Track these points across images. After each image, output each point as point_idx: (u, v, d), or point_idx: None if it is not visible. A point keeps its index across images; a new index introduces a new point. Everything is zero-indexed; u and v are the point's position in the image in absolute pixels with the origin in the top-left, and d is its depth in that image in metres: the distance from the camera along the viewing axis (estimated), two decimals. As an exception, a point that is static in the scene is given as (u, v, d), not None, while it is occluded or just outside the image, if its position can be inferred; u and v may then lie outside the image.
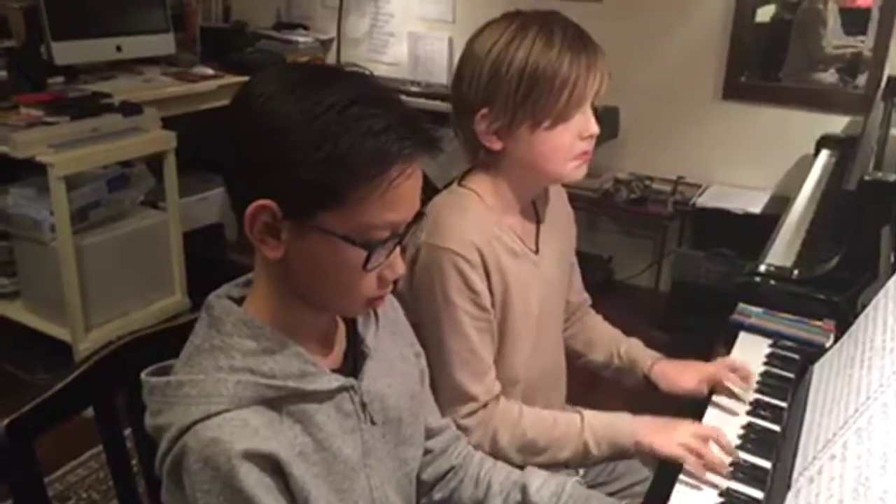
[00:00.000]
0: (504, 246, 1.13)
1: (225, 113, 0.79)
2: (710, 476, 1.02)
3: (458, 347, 1.09)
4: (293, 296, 0.81)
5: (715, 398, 1.19)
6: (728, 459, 1.03)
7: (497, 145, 1.10)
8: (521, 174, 1.13)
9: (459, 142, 1.14)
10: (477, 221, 1.10)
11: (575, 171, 1.11)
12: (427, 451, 1.02)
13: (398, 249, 0.81)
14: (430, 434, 1.02)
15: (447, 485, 1.04)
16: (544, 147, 1.08)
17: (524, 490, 1.01)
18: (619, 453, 1.11)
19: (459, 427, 1.09)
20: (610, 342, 1.36)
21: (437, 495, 1.04)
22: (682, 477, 1.03)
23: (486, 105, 1.07)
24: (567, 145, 1.08)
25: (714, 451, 1.03)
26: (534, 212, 1.22)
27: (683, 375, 1.23)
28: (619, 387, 1.35)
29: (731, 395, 1.18)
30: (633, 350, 1.33)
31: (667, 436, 1.06)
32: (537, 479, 1.02)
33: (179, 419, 0.75)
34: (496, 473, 1.04)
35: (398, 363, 0.95)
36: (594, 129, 1.09)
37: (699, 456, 1.02)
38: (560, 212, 1.29)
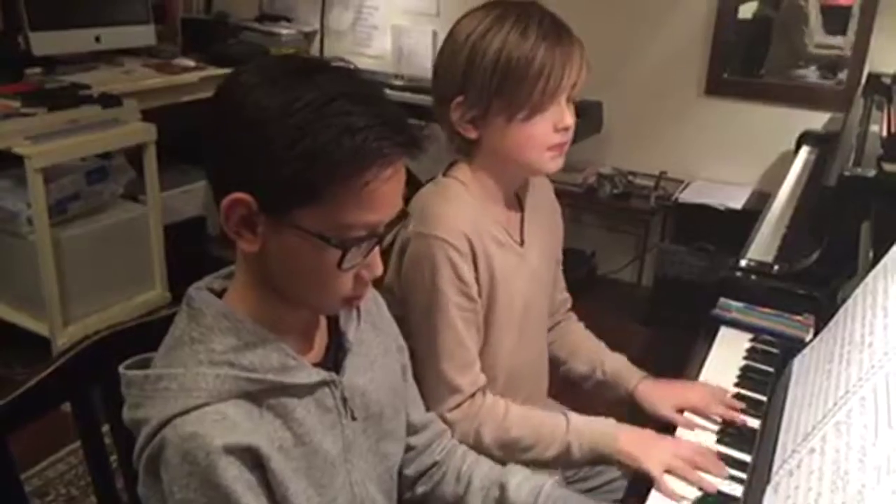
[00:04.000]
0: (491, 236, 1.12)
1: (208, 103, 0.78)
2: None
3: (446, 338, 1.08)
4: (271, 290, 0.81)
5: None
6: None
7: (472, 134, 1.10)
8: (497, 164, 1.13)
9: (443, 130, 1.14)
10: (464, 209, 1.10)
11: (551, 162, 1.11)
12: (410, 448, 1.02)
13: (377, 249, 0.79)
14: (413, 430, 1.01)
15: (430, 479, 1.04)
16: (518, 138, 1.08)
17: (503, 488, 1.00)
18: (601, 459, 1.10)
19: (445, 422, 1.08)
20: (594, 355, 1.33)
21: (419, 489, 1.04)
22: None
23: (461, 94, 1.07)
24: (541, 137, 1.08)
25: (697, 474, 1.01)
26: (518, 204, 1.22)
27: (664, 402, 1.18)
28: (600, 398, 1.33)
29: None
30: (618, 367, 1.30)
31: (650, 452, 1.04)
32: (516, 477, 1.01)
33: (158, 413, 0.74)
34: (477, 469, 1.04)
35: (380, 358, 0.94)
36: (568, 121, 1.09)
37: (682, 477, 1.01)
38: (546, 206, 1.28)
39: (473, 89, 1.06)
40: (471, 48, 1.05)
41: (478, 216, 1.11)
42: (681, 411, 1.16)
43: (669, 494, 0.99)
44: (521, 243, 1.19)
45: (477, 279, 1.10)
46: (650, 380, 1.26)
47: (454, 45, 1.08)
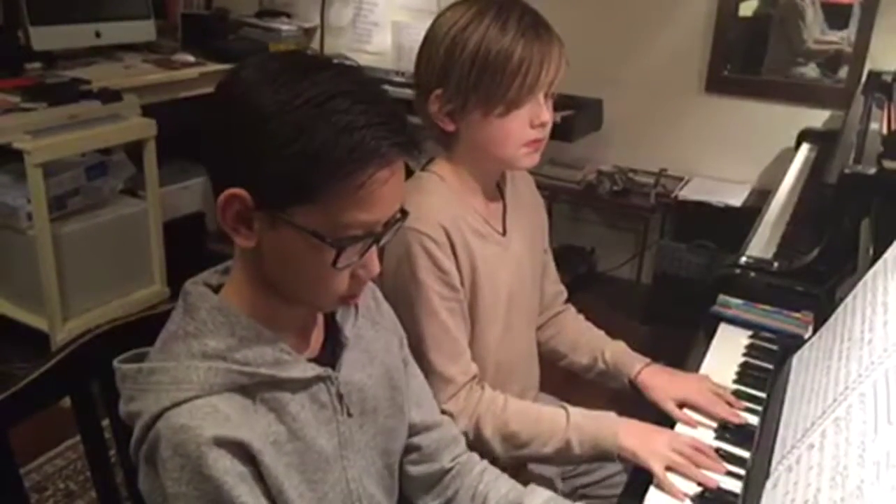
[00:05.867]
0: (470, 227, 1.13)
1: (207, 99, 0.78)
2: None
3: (432, 329, 1.08)
4: (268, 286, 0.80)
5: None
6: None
7: (450, 127, 1.10)
8: (474, 157, 1.13)
9: (422, 121, 1.14)
10: (441, 202, 1.11)
11: (526, 158, 1.11)
12: (416, 448, 1.00)
13: (374, 249, 0.79)
14: (415, 430, 1.00)
15: (443, 492, 1.02)
16: (496, 133, 1.08)
17: None
18: (601, 455, 1.10)
19: (444, 414, 1.08)
20: (594, 345, 1.34)
21: (432, 502, 1.02)
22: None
23: (440, 86, 1.08)
24: (518, 132, 1.08)
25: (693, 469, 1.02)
26: (499, 195, 1.22)
27: (664, 394, 1.19)
28: (603, 387, 1.34)
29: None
30: (618, 355, 1.30)
31: (651, 447, 1.04)
32: (534, 502, 0.98)
33: (150, 406, 0.74)
34: (494, 490, 1.00)
35: (380, 353, 0.94)
36: (545, 117, 1.09)
37: (682, 473, 1.01)
38: (528, 197, 1.29)
39: (452, 83, 1.06)
40: (450, 41, 1.06)
41: (456, 208, 1.12)
42: (681, 405, 1.16)
43: (671, 491, 0.99)
44: (504, 233, 1.19)
45: (458, 269, 1.10)
46: (652, 367, 1.26)
47: (434, 38, 1.08)
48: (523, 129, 1.08)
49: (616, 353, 1.31)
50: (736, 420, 1.12)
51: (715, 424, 1.13)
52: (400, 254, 1.07)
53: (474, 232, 1.13)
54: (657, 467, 1.01)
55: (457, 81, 1.06)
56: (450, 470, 1.02)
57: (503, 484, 1.02)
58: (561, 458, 1.12)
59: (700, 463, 1.02)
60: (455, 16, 1.07)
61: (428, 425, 1.02)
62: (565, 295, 1.42)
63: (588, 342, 1.35)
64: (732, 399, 1.16)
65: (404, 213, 0.81)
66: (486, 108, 1.06)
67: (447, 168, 1.15)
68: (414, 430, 1.00)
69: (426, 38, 1.10)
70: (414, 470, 1.01)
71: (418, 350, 1.07)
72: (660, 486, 1.00)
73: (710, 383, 1.19)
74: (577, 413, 1.12)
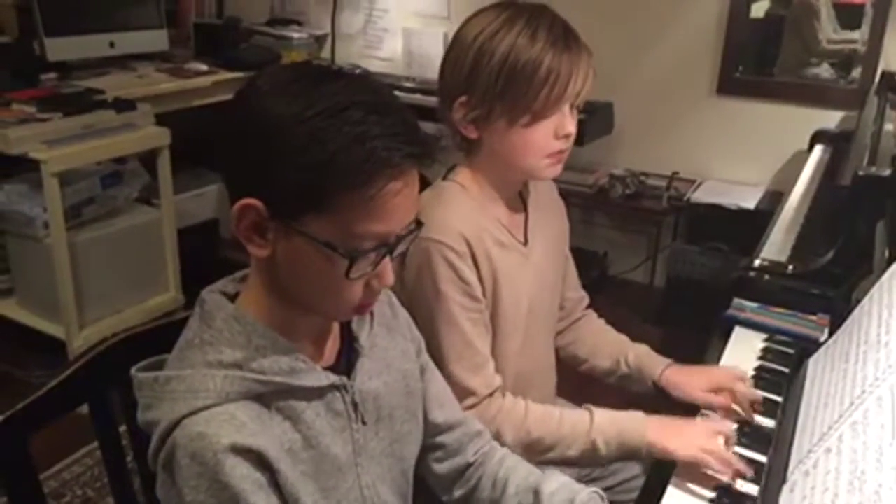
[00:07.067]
0: (491, 237, 1.12)
1: (220, 107, 0.79)
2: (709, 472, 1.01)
3: (453, 340, 1.08)
4: (283, 295, 0.81)
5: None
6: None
7: (473, 134, 1.09)
8: (496, 165, 1.13)
9: (446, 126, 1.14)
10: (462, 211, 1.10)
11: (548, 168, 1.11)
12: (440, 447, 1.00)
13: (387, 260, 0.79)
14: (438, 430, 1.00)
15: (466, 483, 1.02)
16: (519, 142, 1.07)
17: (537, 494, 0.97)
18: (629, 454, 1.08)
19: None
20: (616, 349, 1.33)
21: (457, 493, 1.03)
22: (675, 475, 1.02)
23: (465, 93, 1.07)
24: (541, 143, 1.08)
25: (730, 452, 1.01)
26: (521, 203, 1.21)
27: (692, 384, 1.18)
28: (621, 393, 1.32)
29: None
30: (642, 358, 1.29)
31: (682, 439, 1.03)
32: (552, 485, 0.98)
33: (167, 414, 0.75)
34: (514, 474, 1.01)
35: (396, 360, 0.94)
36: (570, 128, 1.08)
37: (719, 457, 1.00)
38: (550, 204, 1.28)
39: (478, 90, 1.06)
40: (478, 49, 1.05)
41: (477, 217, 1.11)
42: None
43: (715, 467, 0.98)
44: (525, 243, 1.19)
45: (479, 279, 1.10)
46: (676, 366, 1.25)
47: (462, 44, 1.07)
48: (547, 139, 1.07)
49: (640, 355, 1.30)
50: (752, 420, 1.11)
51: (734, 427, 1.12)
52: (421, 264, 1.07)
53: (496, 242, 1.12)
54: (695, 455, 1.00)
55: (483, 89, 1.05)
56: (473, 463, 1.03)
57: (522, 468, 1.02)
58: (588, 460, 1.10)
59: (728, 458, 1.01)
60: (484, 22, 1.06)
61: (451, 424, 1.02)
62: (587, 301, 1.41)
63: (609, 346, 1.34)
64: (755, 392, 1.15)
65: (419, 223, 0.81)
66: (511, 117, 1.05)
67: (469, 176, 1.14)
68: (437, 430, 1.00)
69: (453, 44, 1.09)
70: (439, 467, 1.01)
71: (439, 361, 1.06)
72: (708, 468, 0.99)
73: (735, 372, 1.17)
74: (600, 413, 1.11)
